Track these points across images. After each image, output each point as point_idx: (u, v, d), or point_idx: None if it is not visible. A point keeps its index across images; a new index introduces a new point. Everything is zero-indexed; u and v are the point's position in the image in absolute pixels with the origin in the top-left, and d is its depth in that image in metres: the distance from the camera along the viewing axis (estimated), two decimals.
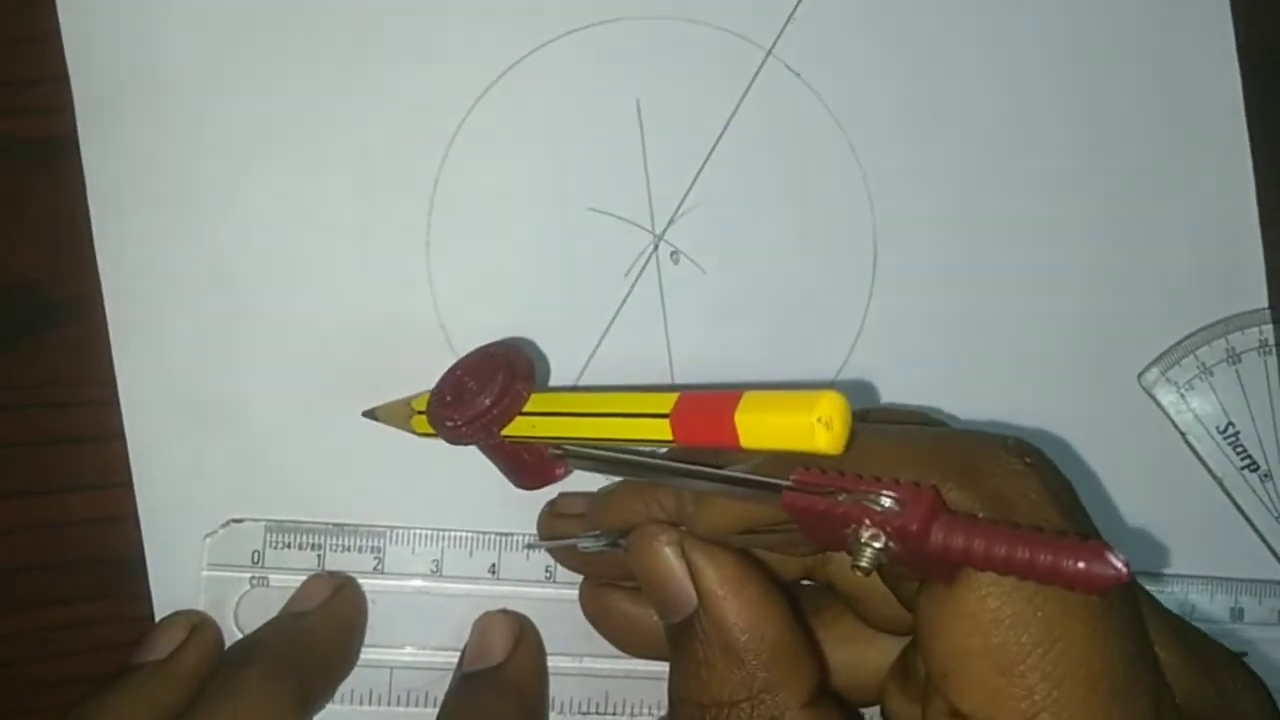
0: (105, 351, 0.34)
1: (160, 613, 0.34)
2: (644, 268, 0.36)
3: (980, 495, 0.23)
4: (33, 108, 0.34)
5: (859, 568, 0.22)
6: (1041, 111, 0.37)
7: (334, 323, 0.35)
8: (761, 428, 0.24)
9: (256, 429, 0.34)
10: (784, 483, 0.24)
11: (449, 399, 0.30)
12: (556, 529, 0.33)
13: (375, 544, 0.34)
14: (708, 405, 0.25)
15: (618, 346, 0.36)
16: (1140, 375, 0.37)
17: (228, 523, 0.34)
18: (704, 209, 0.36)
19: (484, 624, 0.34)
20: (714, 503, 0.27)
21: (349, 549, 0.34)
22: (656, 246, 0.36)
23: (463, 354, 0.35)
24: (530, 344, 0.35)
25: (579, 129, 0.36)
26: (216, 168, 0.35)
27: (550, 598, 0.35)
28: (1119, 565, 0.20)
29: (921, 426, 0.29)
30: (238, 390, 0.34)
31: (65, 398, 0.34)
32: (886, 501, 0.22)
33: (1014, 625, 0.22)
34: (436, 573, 0.34)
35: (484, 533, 0.35)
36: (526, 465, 0.31)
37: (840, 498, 0.23)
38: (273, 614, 0.33)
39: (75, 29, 0.34)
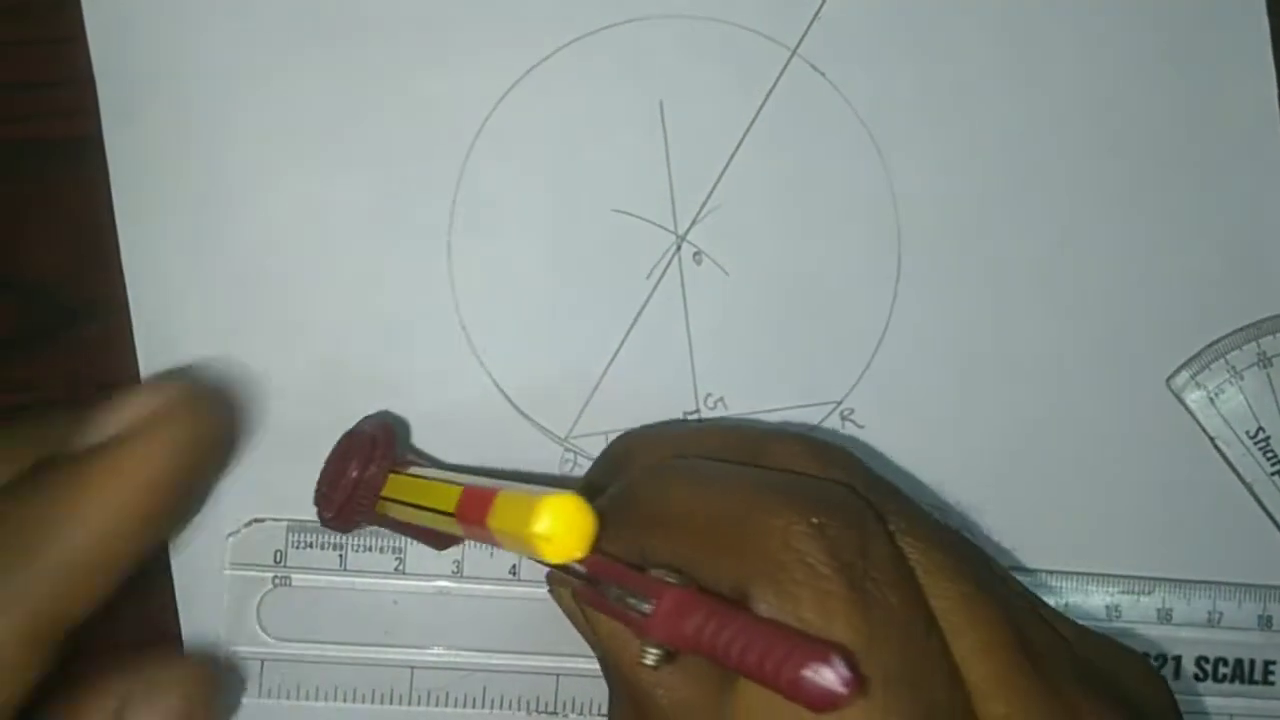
0: (129, 353, 0.34)
1: (184, 612, 0.34)
2: (666, 269, 0.36)
3: (745, 573, 0.22)
4: (58, 109, 0.34)
5: (648, 668, 0.22)
6: (1070, 111, 0.37)
7: (356, 323, 0.35)
8: (506, 535, 0.24)
9: (279, 429, 0.34)
10: (579, 572, 0.24)
11: (324, 491, 0.31)
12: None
13: (397, 544, 0.34)
14: (475, 505, 0.25)
15: (639, 349, 0.36)
16: (1169, 378, 0.37)
17: (250, 522, 0.34)
18: (727, 210, 0.36)
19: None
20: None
21: (370, 549, 0.34)
22: (679, 248, 0.36)
23: (483, 355, 0.35)
24: (390, 415, 0.35)
25: (601, 129, 0.36)
26: (240, 169, 0.35)
27: None
28: (834, 682, 0.18)
29: (729, 471, 0.26)
30: (260, 390, 0.34)
31: (89, 399, 0.34)
32: (643, 605, 0.22)
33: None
34: (458, 573, 0.34)
35: None
36: (426, 533, 0.30)
37: (611, 592, 0.23)
38: (296, 613, 0.34)
39: (101, 30, 0.34)
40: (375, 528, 0.33)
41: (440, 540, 0.32)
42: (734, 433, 0.29)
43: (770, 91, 0.36)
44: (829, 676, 0.18)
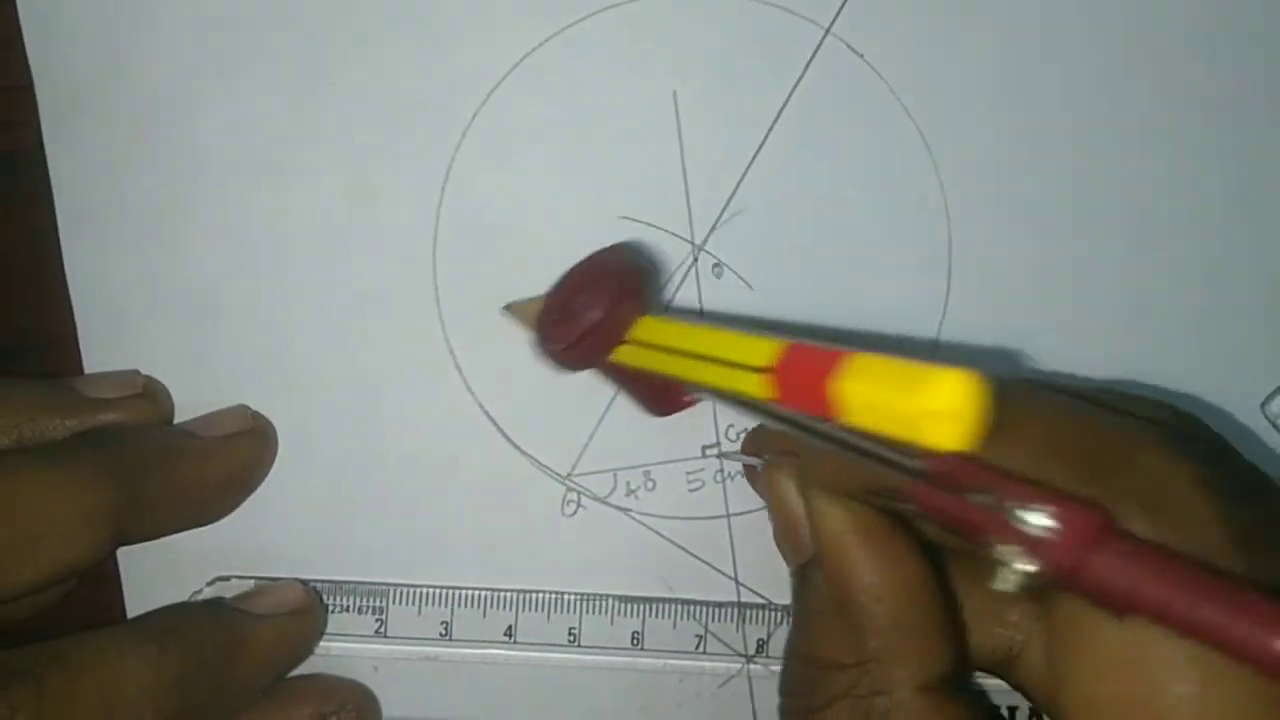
0: None
1: None
2: (682, 282, 0.32)
3: (1112, 494, 0.19)
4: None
5: (1000, 588, 0.18)
6: (1141, 93, 0.32)
7: (331, 353, 0.31)
8: (863, 405, 0.19)
9: None
10: (917, 466, 0.20)
11: (555, 319, 0.27)
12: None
13: (377, 604, 0.31)
14: (810, 364, 0.21)
15: None
16: (1264, 403, 0.32)
17: (214, 580, 0.31)
18: (751, 215, 0.32)
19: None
20: (823, 458, 0.24)
21: (347, 609, 0.31)
22: (696, 258, 0.32)
23: (475, 386, 0.32)
24: (641, 248, 0.31)
25: (607, 125, 0.32)
26: (199, 181, 0.31)
27: (574, 664, 0.31)
28: None
29: (1079, 403, 0.24)
30: None
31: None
32: (1039, 521, 0.18)
33: (1162, 672, 0.18)
34: (446, 636, 0.31)
35: (499, 590, 0.31)
36: (654, 390, 0.28)
37: (981, 499, 0.19)
38: None
39: (39, 30, 0.31)
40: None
41: (665, 403, 0.29)
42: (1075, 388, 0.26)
43: (801, 77, 0.32)
44: None
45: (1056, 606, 0.21)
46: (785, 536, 0.26)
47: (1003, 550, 0.18)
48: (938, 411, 0.18)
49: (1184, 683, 0.18)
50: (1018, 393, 0.24)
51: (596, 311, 0.27)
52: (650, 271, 0.28)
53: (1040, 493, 0.18)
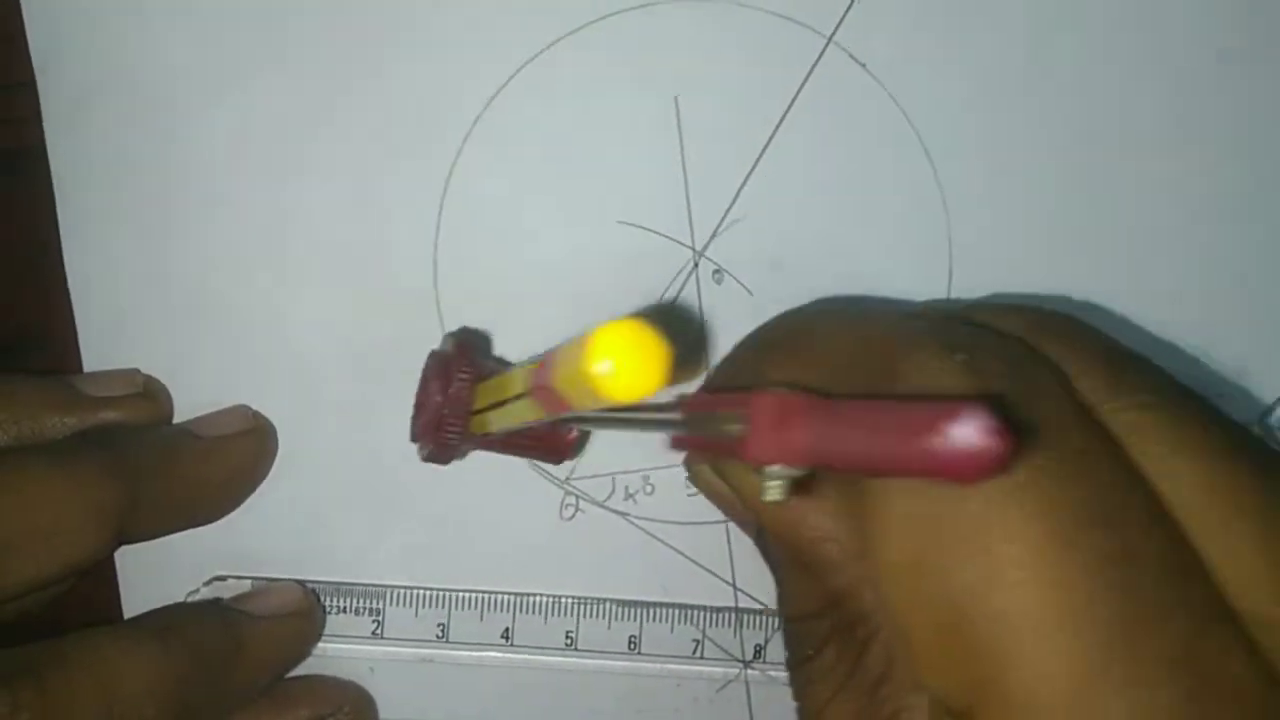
0: None
1: None
2: (682, 289, 0.32)
3: None
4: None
5: (773, 502, 0.18)
6: (1143, 102, 0.32)
7: (330, 351, 0.31)
8: (574, 391, 0.20)
9: None
10: (671, 417, 0.21)
11: (418, 425, 0.28)
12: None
13: (374, 605, 0.31)
14: (542, 373, 0.21)
15: None
16: (1264, 416, 0.32)
17: (211, 580, 0.31)
18: (752, 221, 0.32)
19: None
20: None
21: (344, 610, 0.31)
22: (697, 264, 0.32)
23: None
24: (467, 330, 0.32)
25: (608, 130, 0.32)
26: (201, 180, 0.31)
27: (572, 667, 0.31)
28: (977, 435, 0.15)
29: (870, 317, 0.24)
30: None
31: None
32: (735, 424, 0.18)
33: (928, 531, 0.18)
34: (443, 639, 0.31)
35: (496, 593, 0.31)
36: (539, 446, 0.28)
37: (709, 429, 0.20)
38: None
39: (42, 27, 0.31)
40: (479, 450, 0.29)
41: (554, 449, 0.29)
42: (936, 307, 0.26)
43: (802, 86, 0.32)
44: (968, 432, 0.15)
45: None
46: (729, 516, 0.26)
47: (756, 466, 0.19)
48: (605, 373, 0.18)
49: (950, 532, 0.18)
50: (816, 319, 0.24)
51: (436, 397, 0.27)
52: (469, 343, 0.28)
53: (733, 397, 0.19)
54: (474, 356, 0.28)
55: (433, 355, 0.28)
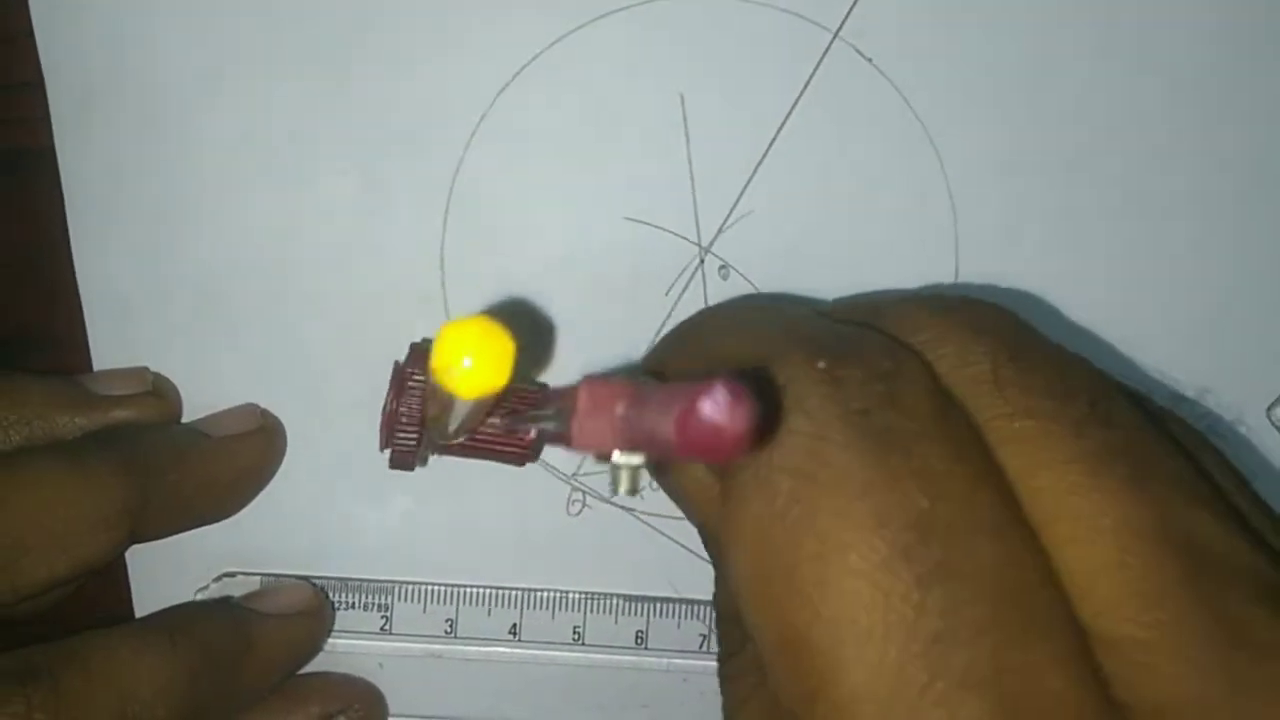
0: None
1: None
2: (688, 285, 0.32)
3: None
4: (3, 118, 0.31)
5: (624, 492, 0.19)
6: (1150, 97, 0.32)
7: (338, 349, 0.31)
8: (438, 386, 0.20)
9: None
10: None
11: (382, 434, 0.28)
12: None
13: (382, 601, 0.31)
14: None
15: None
16: (1271, 408, 0.32)
17: (220, 577, 0.31)
18: (758, 217, 0.32)
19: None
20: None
21: (353, 606, 0.31)
22: (703, 260, 0.32)
23: None
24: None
25: (614, 127, 0.32)
26: (209, 180, 0.31)
27: (579, 662, 0.31)
28: (717, 406, 0.15)
29: (766, 315, 0.24)
30: None
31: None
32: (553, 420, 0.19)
33: (775, 534, 0.17)
34: (451, 634, 0.31)
35: (504, 588, 0.31)
36: (503, 451, 0.28)
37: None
38: None
39: (50, 28, 0.31)
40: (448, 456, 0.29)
41: (514, 451, 0.29)
42: (843, 304, 0.25)
43: (808, 81, 0.32)
44: (711, 405, 0.15)
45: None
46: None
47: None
48: (449, 369, 0.19)
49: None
50: (708, 319, 0.25)
51: (391, 404, 0.27)
52: (424, 351, 0.28)
53: (558, 391, 0.20)
54: (426, 364, 0.27)
55: (395, 364, 0.28)
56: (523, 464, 0.30)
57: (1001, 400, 0.19)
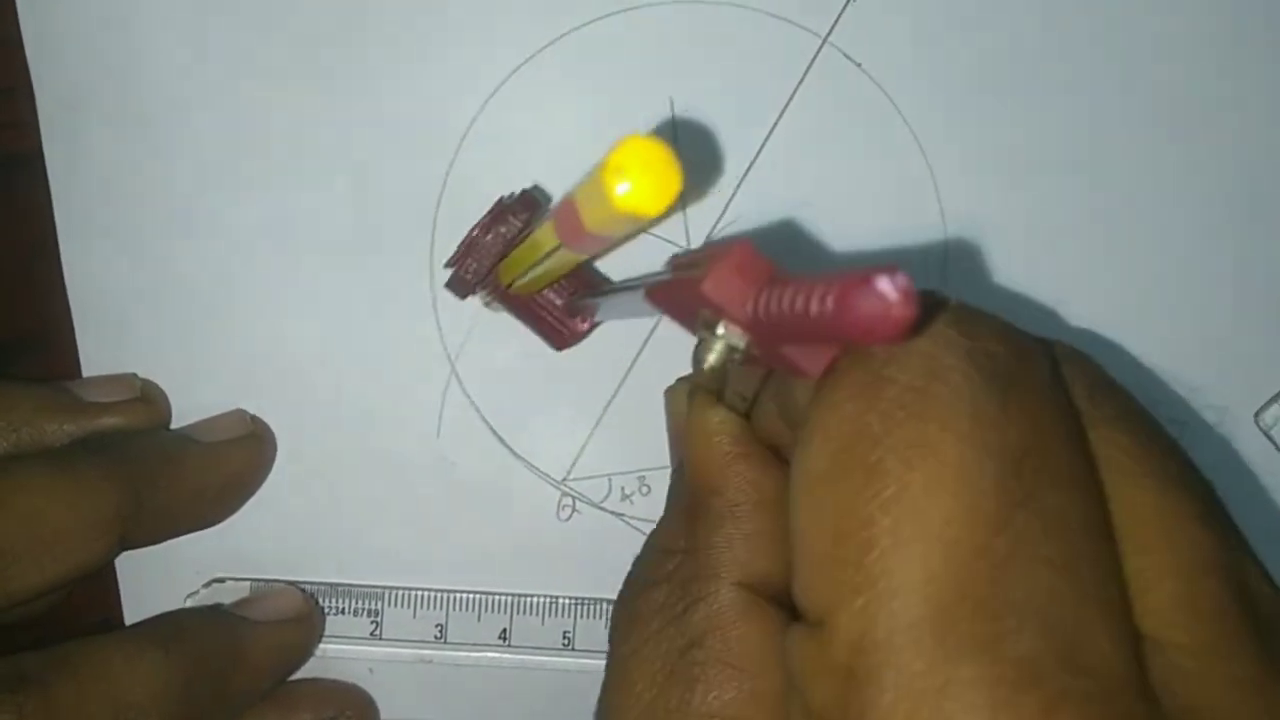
0: None
1: None
2: None
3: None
4: None
5: (708, 367, 0.19)
6: (1139, 103, 0.32)
7: (327, 357, 0.31)
8: (587, 200, 0.20)
9: None
10: (658, 278, 0.22)
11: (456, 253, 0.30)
12: None
13: (372, 606, 0.31)
14: (568, 214, 0.22)
15: (646, 381, 0.32)
16: (1258, 413, 0.32)
17: (210, 582, 0.31)
18: (746, 224, 0.32)
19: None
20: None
21: (343, 611, 0.31)
22: None
23: (471, 390, 0.32)
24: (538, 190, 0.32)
25: (603, 131, 0.31)
26: (198, 185, 0.31)
27: (569, 667, 0.31)
28: (887, 291, 0.15)
29: None
30: None
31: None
32: (700, 268, 0.19)
33: (869, 437, 0.17)
34: (441, 639, 0.31)
35: (494, 594, 0.31)
36: (547, 321, 0.30)
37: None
38: None
39: (39, 33, 0.30)
40: (502, 311, 0.31)
41: (560, 332, 0.31)
42: None
43: (798, 86, 0.32)
44: (882, 286, 0.15)
45: None
46: (671, 441, 0.27)
47: (702, 323, 0.19)
48: (619, 168, 0.18)
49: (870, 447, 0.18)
50: None
51: (474, 232, 0.29)
52: (534, 198, 0.29)
53: (710, 250, 0.19)
54: (526, 213, 0.29)
55: (499, 199, 0.30)
56: (561, 348, 0.31)
57: (1105, 410, 0.20)
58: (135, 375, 0.31)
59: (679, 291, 0.21)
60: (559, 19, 0.31)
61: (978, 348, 0.18)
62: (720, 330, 0.19)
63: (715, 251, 0.19)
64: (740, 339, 0.19)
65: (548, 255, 0.25)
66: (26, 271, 0.31)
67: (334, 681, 0.31)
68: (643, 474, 0.32)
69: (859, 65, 0.32)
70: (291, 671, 0.30)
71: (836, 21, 0.32)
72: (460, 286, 0.29)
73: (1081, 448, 0.19)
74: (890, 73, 0.32)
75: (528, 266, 0.27)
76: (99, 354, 0.31)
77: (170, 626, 0.28)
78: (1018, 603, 0.16)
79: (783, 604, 0.22)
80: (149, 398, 0.30)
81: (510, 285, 0.30)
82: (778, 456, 0.24)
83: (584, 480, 0.32)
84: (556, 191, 0.31)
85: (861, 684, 0.16)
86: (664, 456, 0.31)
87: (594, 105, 0.32)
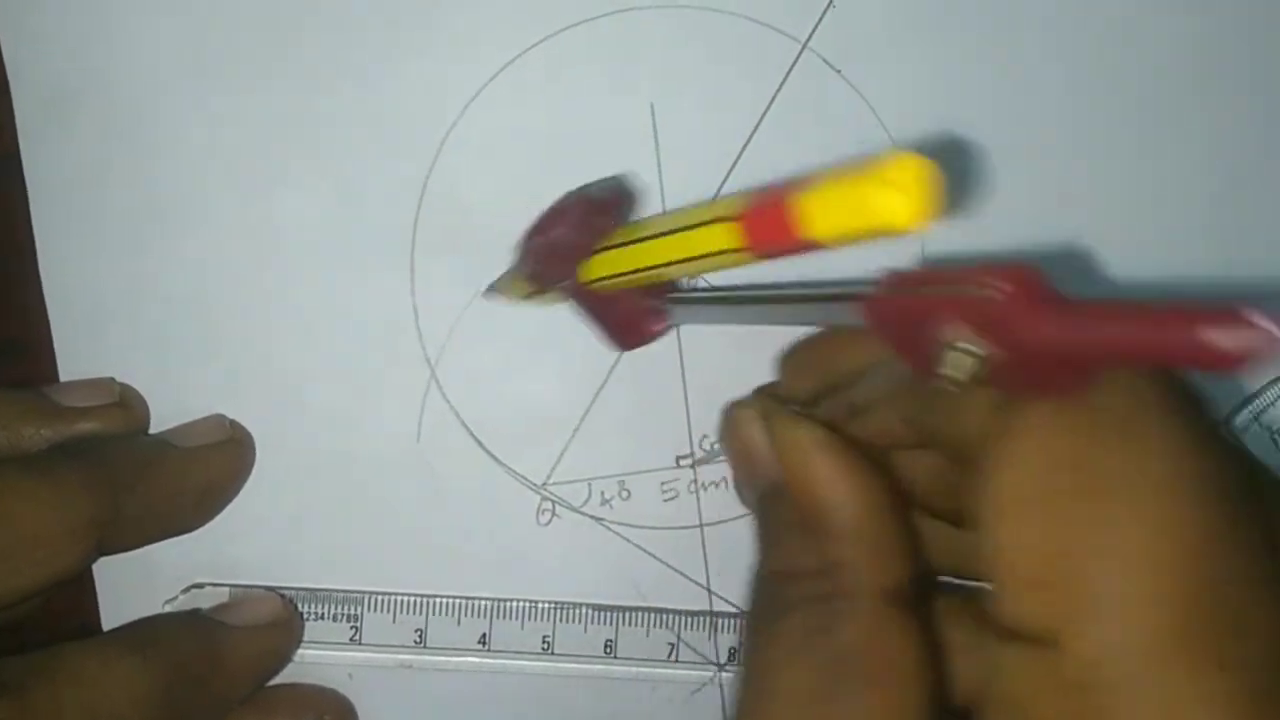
0: None
1: None
2: None
3: None
4: None
5: (950, 380, 0.19)
6: (1123, 108, 0.32)
7: (306, 358, 0.31)
8: (825, 207, 0.20)
9: None
10: (864, 290, 0.21)
11: (530, 237, 0.29)
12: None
13: (352, 611, 0.31)
14: (774, 198, 0.21)
15: (626, 385, 0.32)
16: (1231, 417, 0.33)
17: (189, 588, 0.31)
18: None
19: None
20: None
21: (322, 616, 0.31)
22: None
23: (450, 393, 0.32)
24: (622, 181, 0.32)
25: (584, 137, 0.32)
26: (177, 187, 0.31)
27: (548, 672, 0.31)
28: (1261, 323, 0.15)
29: None
30: None
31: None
32: (982, 290, 0.18)
33: (1063, 468, 0.18)
34: (420, 644, 0.31)
35: (474, 598, 0.31)
36: (622, 320, 0.29)
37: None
38: None
39: (15, 31, 0.30)
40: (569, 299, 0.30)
41: (628, 334, 0.30)
42: None
43: (777, 92, 0.32)
44: (1251, 320, 0.15)
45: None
46: (744, 467, 0.26)
47: (953, 336, 0.19)
48: (891, 181, 0.18)
49: (1079, 473, 0.18)
50: None
51: (561, 228, 0.28)
52: (624, 197, 0.29)
53: (978, 269, 0.19)
54: (611, 214, 0.29)
55: (577, 196, 0.29)
56: (630, 349, 0.31)
57: None
58: (113, 380, 0.30)
59: (915, 306, 0.20)
60: (540, 24, 0.31)
61: (1163, 375, 0.19)
62: (972, 347, 0.19)
63: (996, 271, 0.19)
64: (981, 350, 0.19)
65: (703, 257, 0.24)
66: (3, 274, 0.31)
67: (313, 686, 0.31)
68: (622, 479, 0.32)
69: (839, 71, 0.32)
70: (270, 677, 0.30)
71: (816, 27, 0.32)
72: (549, 280, 0.28)
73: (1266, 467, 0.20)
74: (869, 79, 0.32)
75: (647, 266, 0.26)
76: (77, 358, 0.31)
77: (148, 632, 0.27)
78: (1247, 617, 0.17)
79: (915, 610, 0.23)
80: (127, 402, 0.30)
81: (594, 281, 0.29)
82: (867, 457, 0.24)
83: (564, 485, 0.32)
84: (554, 192, 0.31)
85: (1101, 699, 0.17)
86: (643, 461, 0.32)
87: (574, 110, 0.32)
